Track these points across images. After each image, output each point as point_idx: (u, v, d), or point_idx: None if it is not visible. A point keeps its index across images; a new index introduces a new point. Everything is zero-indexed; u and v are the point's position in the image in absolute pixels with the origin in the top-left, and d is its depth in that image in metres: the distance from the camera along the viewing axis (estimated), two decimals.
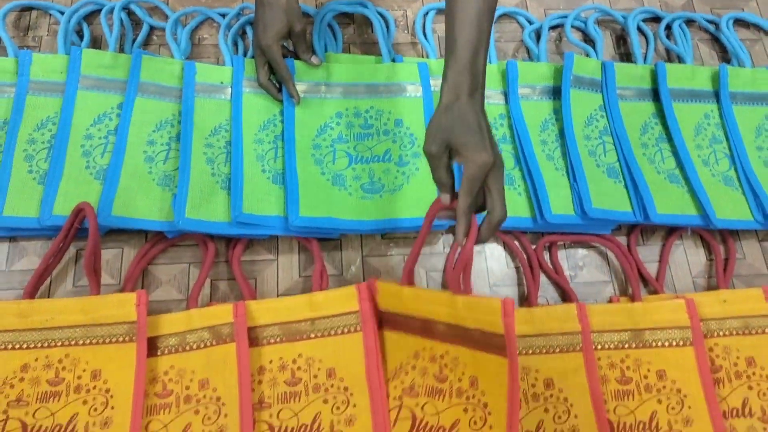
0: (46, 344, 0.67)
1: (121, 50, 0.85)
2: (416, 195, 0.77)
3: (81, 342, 0.67)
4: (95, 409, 0.65)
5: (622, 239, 0.80)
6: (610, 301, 0.76)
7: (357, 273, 0.76)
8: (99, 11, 0.89)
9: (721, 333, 0.74)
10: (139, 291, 0.68)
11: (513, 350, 0.50)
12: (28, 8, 0.90)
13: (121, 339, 0.67)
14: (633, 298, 0.75)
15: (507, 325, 0.50)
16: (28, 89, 0.79)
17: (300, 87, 0.81)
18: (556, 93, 0.86)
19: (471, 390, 0.55)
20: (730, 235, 0.81)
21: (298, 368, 0.69)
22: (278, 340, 0.70)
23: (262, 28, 0.77)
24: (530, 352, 0.71)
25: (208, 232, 0.73)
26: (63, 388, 0.66)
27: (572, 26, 0.95)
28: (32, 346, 0.67)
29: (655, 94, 0.88)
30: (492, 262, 0.78)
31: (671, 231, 0.81)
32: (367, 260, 0.77)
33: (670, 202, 0.79)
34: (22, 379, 0.66)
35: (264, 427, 0.66)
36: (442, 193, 0.61)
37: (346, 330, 0.70)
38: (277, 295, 0.74)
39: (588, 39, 0.95)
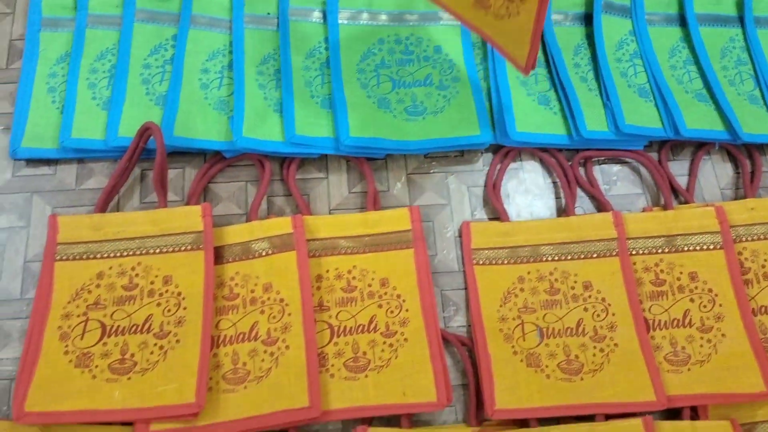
0: (118, 254, 0.72)
1: None
2: (457, 116, 0.81)
3: (151, 251, 0.72)
4: (168, 310, 0.69)
5: (653, 155, 0.84)
6: (644, 211, 0.80)
7: (402, 189, 0.80)
8: None
9: (749, 238, 0.78)
10: (203, 204, 0.73)
11: None
12: None
13: (189, 247, 0.72)
14: (665, 208, 0.79)
15: None
16: (87, 23, 0.83)
17: (343, 14, 0.85)
18: (587, 19, 0.89)
19: None
20: (756, 149, 0.85)
21: (353, 278, 0.74)
22: (334, 252, 0.75)
23: None
24: (569, 257, 0.76)
25: (264, 150, 0.77)
26: (137, 292, 0.70)
27: None
28: (106, 256, 0.72)
29: (682, 20, 0.91)
30: (530, 178, 0.82)
31: (699, 147, 0.85)
32: (411, 177, 0.81)
33: (698, 119, 0.83)
34: (98, 286, 0.70)
35: (324, 326, 0.71)
36: None
37: (398, 246, 0.75)
38: (329, 210, 0.79)
39: None
